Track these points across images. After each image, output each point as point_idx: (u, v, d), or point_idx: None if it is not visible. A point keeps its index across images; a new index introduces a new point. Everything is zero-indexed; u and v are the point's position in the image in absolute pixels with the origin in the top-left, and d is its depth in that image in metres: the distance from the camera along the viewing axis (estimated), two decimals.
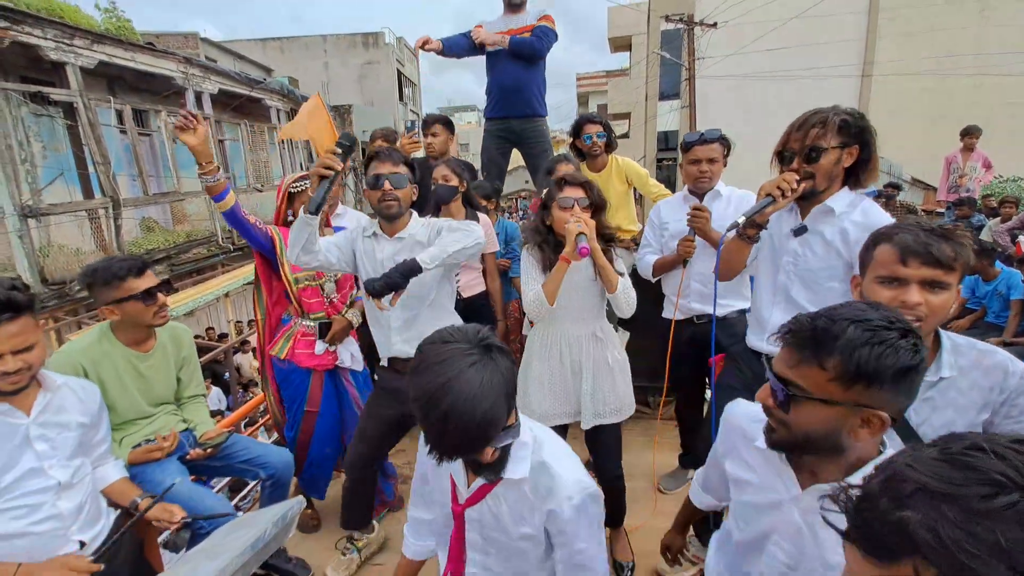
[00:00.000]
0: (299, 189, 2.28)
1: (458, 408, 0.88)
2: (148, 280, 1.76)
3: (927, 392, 1.14)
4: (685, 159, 2.23)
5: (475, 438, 0.93)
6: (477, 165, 3.65)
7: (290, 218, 2.34)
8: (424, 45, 3.15)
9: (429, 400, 0.90)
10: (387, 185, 1.77)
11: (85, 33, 7.54)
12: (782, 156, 1.55)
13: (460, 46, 3.23)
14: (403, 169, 1.82)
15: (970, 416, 1.13)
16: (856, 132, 1.46)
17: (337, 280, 2.35)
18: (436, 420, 0.89)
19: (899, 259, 1.08)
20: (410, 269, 1.64)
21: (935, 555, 0.47)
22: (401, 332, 1.89)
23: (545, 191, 1.86)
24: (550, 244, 1.83)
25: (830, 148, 1.46)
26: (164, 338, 1.92)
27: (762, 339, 1.70)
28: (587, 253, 1.64)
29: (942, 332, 1.16)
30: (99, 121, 7.81)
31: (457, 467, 1.17)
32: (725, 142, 2.18)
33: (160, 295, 1.79)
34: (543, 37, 3.11)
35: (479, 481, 1.13)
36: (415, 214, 1.94)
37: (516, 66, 3.18)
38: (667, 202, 2.43)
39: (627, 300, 1.81)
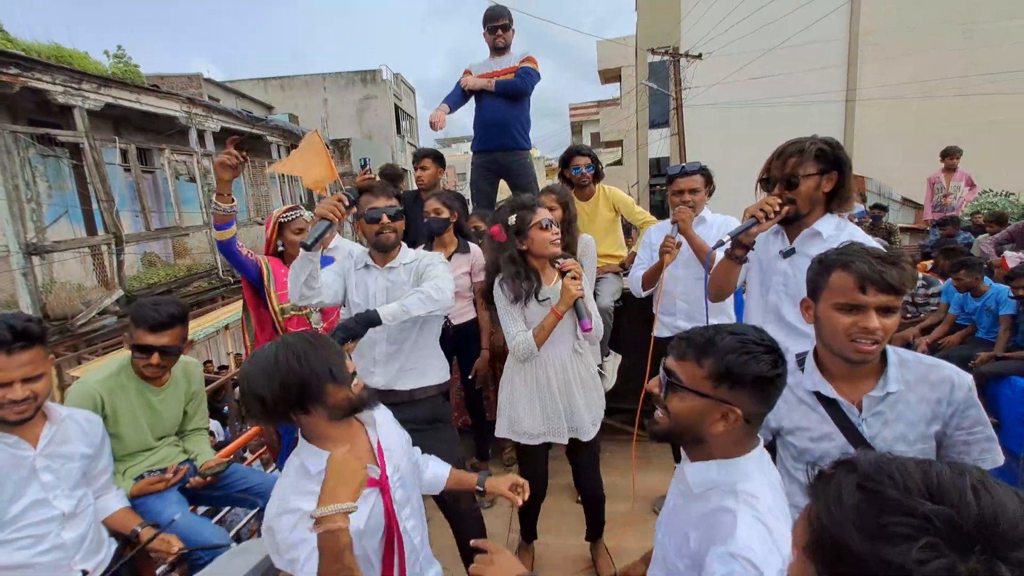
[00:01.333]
0: (289, 219, 2.37)
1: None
2: (157, 338, 1.77)
3: (877, 407, 1.19)
4: (669, 190, 2.35)
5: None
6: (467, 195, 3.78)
7: (280, 247, 2.43)
8: (437, 123, 3.34)
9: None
10: (385, 218, 1.89)
11: (93, 77, 7.81)
12: (765, 183, 1.65)
13: (458, 98, 3.41)
14: (395, 202, 1.94)
15: (920, 428, 1.17)
16: (833, 159, 1.55)
17: (323, 309, 2.39)
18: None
19: (858, 287, 1.12)
20: (369, 321, 1.74)
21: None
22: (382, 365, 1.95)
23: (515, 216, 1.88)
24: (523, 274, 1.88)
25: (809, 175, 1.55)
26: (177, 372, 1.97)
27: None
28: (589, 328, 1.76)
29: (889, 348, 1.21)
30: (104, 160, 8.01)
31: None
32: (706, 173, 2.30)
33: (156, 356, 1.78)
34: (526, 77, 3.27)
35: None
36: (404, 245, 2.04)
37: (500, 103, 3.33)
38: (658, 226, 2.55)
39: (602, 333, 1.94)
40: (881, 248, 1.20)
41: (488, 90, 3.32)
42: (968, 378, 1.18)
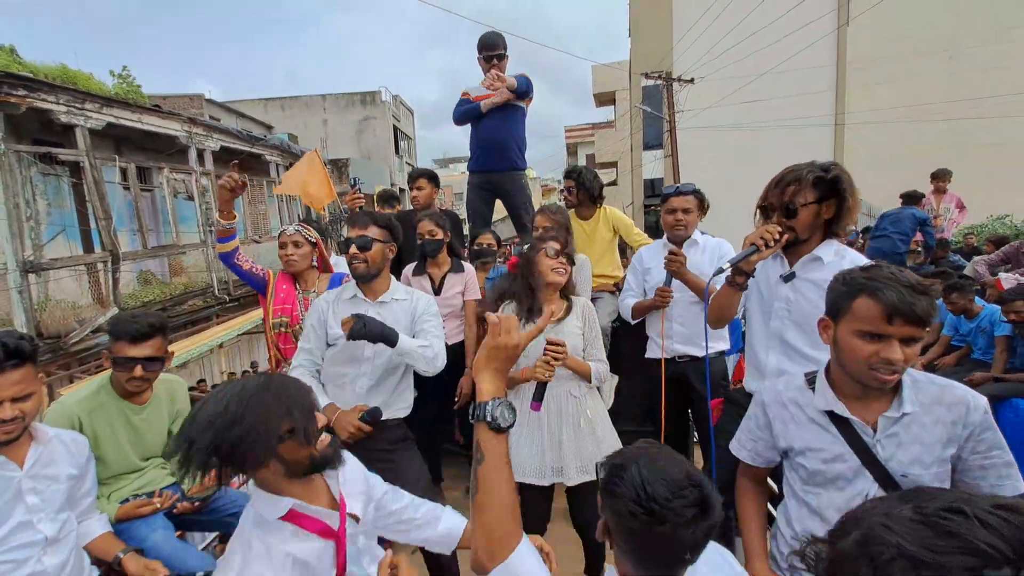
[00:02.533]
0: (280, 231, 2.42)
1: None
2: (138, 349, 1.73)
3: (891, 428, 1.16)
4: (663, 209, 2.39)
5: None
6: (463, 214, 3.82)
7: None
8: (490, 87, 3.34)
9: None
10: (352, 249, 1.90)
11: (95, 98, 7.90)
12: (764, 210, 1.65)
13: (473, 114, 3.47)
14: (372, 231, 1.92)
15: (936, 451, 1.14)
16: (832, 186, 1.54)
17: None
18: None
19: (884, 317, 1.07)
20: (387, 338, 1.76)
21: None
22: (363, 398, 1.93)
23: (527, 247, 2.01)
24: (524, 304, 1.94)
25: (807, 204, 1.55)
26: (160, 391, 1.93)
27: (760, 382, 1.75)
28: (536, 409, 1.69)
29: None
30: (103, 178, 8.05)
31: None
32: (699, 195, 2.35)
33: (139, 368, 1.74)
34: (525, 80, 3.40)
35: None
36: (394, 280, 2.04)
37: (496, 123, 3.39)
38: (648, 248, 2.56)
39: (606, 379, 1.93)
40: (909, 272, 1.14)
41: (496, 108, 3.37)
42: (983, 400, 1.15)
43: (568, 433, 1.92)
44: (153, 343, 1.76)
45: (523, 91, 3.36)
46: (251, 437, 0.98)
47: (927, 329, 1.09)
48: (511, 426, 0.95)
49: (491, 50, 3.37)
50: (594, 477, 1.91)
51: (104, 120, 8.06)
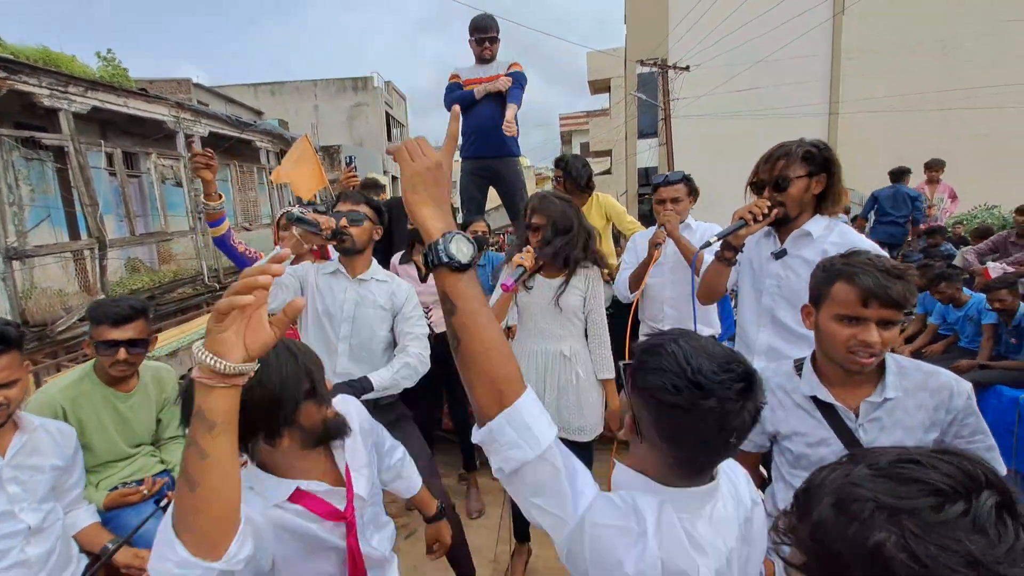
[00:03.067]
0: (279, 214, 2.38)
1: None
2: (121, 332, 1.70)
3: (874, 413, 1.19)
4: (654, 199, 2.37)
5: None
6: (457, 201, 3.78)
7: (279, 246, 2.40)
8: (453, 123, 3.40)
9: None
10: (345, 221, 1.90)
11: (79, 81, 7.72)
12: (755, 186, 1.65)
13: (466, 101, 3.41)
14: (363, 208, 1.94)
15: (918, 435, 1.17)
16: (821, 162, 1.55)
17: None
18: None
19: (860, 300, 1.11)
20: (363, 389, 1.77)
21: None
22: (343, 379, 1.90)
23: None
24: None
25: (796, 177, 1.56)
26: (147, 378, 1.91)
27: (750, 360, 1.76)
28: (507, 288, 1.72)
29: (888, 355, 1.21)
30: (89, 164, 7.90)
31: None
32: (688, 182, 2.33)
33: (123, 351, 1.72)
34: (519, 77, 3.38)
35: None
36: (375, 262, 2.04)
37: (490, 110, 3.35)
38: (642, 234, 2.57)
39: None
40: (886, 257, 1.18)
41: (491, 93, 3.34)
42: (967, 386, 1.18)
43: (552, 394, 1.95)
44: (135, 325, 1.73)
45: (524, 82, 3.37)
46: (277, 397, 0.96)
47: (905, 312, 1.13)
48: (472, 260, 0.81)
49: (483, 32, 3.32)
50: (586, 438, 1.95)
51: (89, 104, 7.88)
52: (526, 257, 1.81)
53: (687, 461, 0.82)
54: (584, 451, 2.04)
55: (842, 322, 1.15)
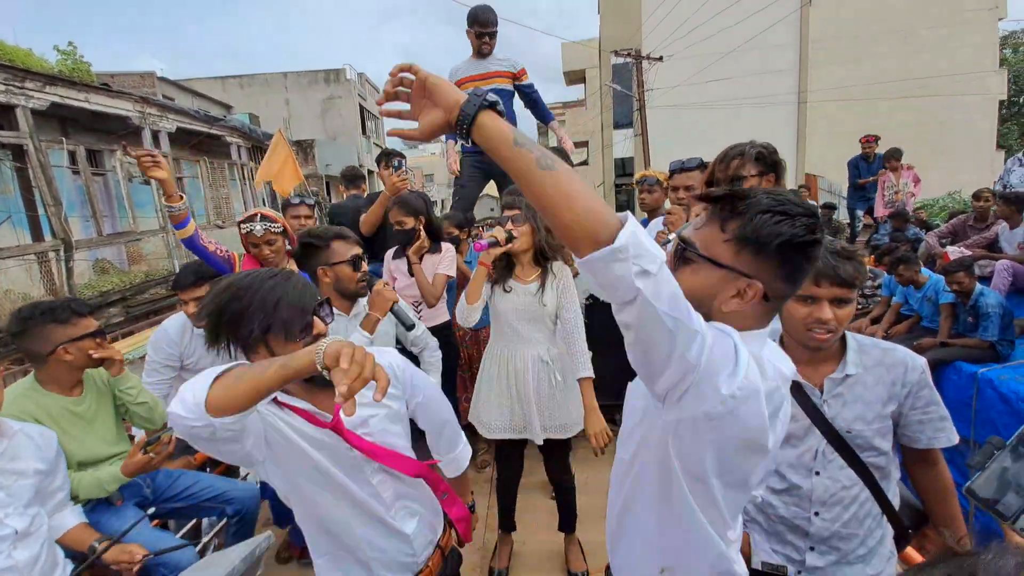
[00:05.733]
0: (246, 231, 2.29)
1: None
2: (87, 322, 1.74)
3: (836, 388, 1.27)
4: (668, 186, 2.37)
5: None
6: (444, 194, 3.79)
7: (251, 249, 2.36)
8: (454, 168, 3.58)
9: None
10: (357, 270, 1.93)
11: (36, 76, 7.40)
12: (711, 185, 1.73)
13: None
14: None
15: (877, 409, 1.25)
16: (771, 163, 1.65)
17: None
18: None
19: (813, 280, 1.18)
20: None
21: None
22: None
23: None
24: (503, 263, 2.00)
25: (749, 176, 1.64)
26: (92, 376, 1.87)
27: None
28: (480, 248, 1.80)
29: (848, 334, 1.29)
30: (50, 163, 7.60)
31: None
32: (706, 169, 2.31)
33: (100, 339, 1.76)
34: (535, 91, 3.57)
35: None
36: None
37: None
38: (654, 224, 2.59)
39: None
40: (837, 241, 1.27)
41: (492, 87, 3.36)
42: (921, 360, 1.26)
43: (533, 395, 2.00)
44: (90, 320, 1.77)
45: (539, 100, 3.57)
46: (301, 306, 1.08)
47: (854, 291, 1.20)
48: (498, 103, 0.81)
49: (483, 26, 3.27)
50: (558, 436, 2.01)
51: (47, 100, 7.57)
52: (499, 231, 1.84)
53: (782, 300, 0.88)
54: (563, 449, 2.13)
55: (799, 301, 1.22)
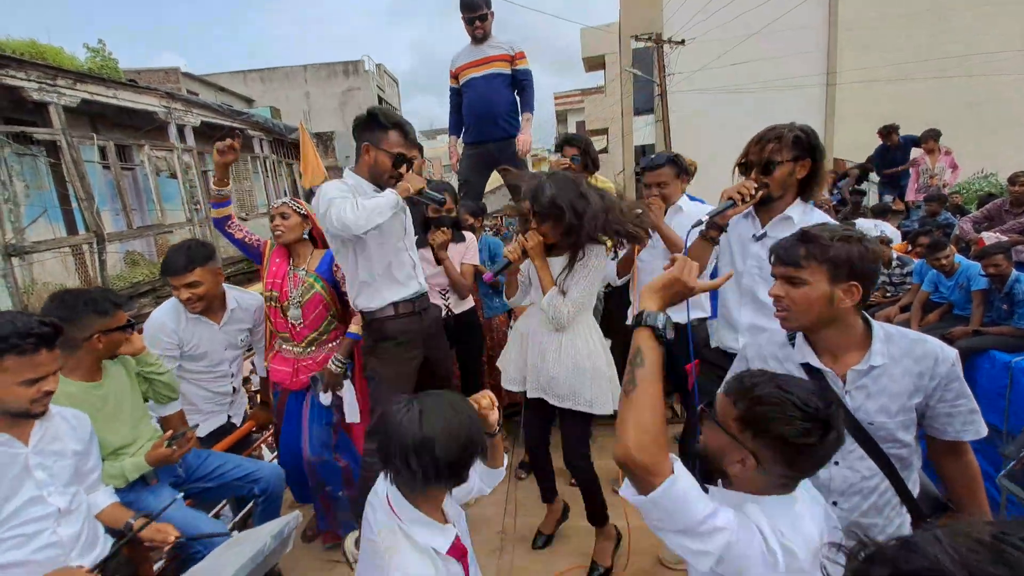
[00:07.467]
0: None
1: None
2: (122, 313, 1.81)
3: (860, 380, 1.23)
4: (642, 183, 2.40)
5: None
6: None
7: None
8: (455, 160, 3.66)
9: None
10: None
11: (67, 73, 7.62)
12: (743, 167, 1.70)
13: (457, 121, 3.58)
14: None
15: (902, 401, 1.20)
16: (808, 147, 1.60)
17: (303, 306, 2.24)
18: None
19: (769, 259, 1.30)
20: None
21: None
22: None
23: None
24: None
25: (784, 161, 1.60)
26: (116, 361, 1.92)
27: (734, 339, 1.81)
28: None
29: (874, 323, 1.25)
30: (82, 158, 7.85)
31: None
32: (675, 162, 2.32)
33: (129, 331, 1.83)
34: (528, 78, 3.46)
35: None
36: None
37: (484, 93, 3.36)
38: None
39: (550, 307, 1.95)
40: (812, 228, 1.26)
41: (477, 82, 3.37)
42: (952, 352, 1.21)
43: (542, 360, 2.03)
44: (123, 313, 1.83)
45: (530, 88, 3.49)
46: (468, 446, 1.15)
47: (803, 271, 1.21)
48: (671, 341, 1.02)
49: (471, 11, 3.29)
50: (564, 406, 2.00)
51: (78, 96, 7.80)
52: (513, 249, 1.88)
53: (798, 478, 1.01)
54: (575, 428, 2.08)
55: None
